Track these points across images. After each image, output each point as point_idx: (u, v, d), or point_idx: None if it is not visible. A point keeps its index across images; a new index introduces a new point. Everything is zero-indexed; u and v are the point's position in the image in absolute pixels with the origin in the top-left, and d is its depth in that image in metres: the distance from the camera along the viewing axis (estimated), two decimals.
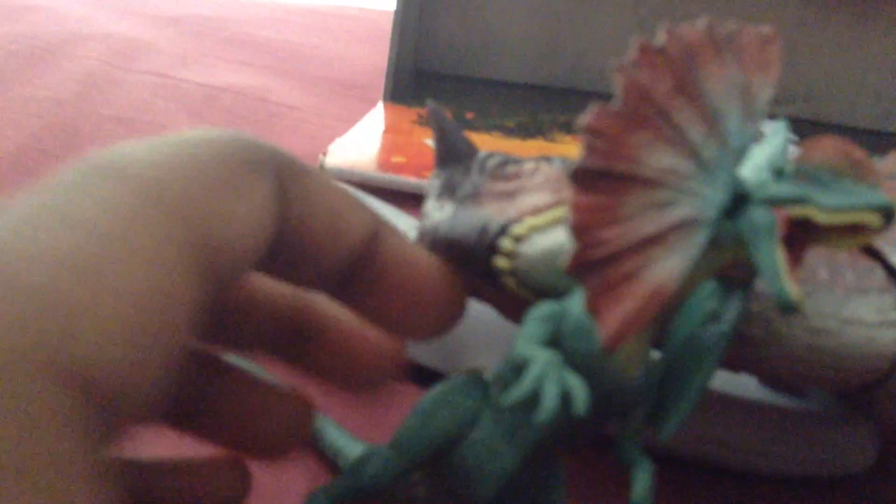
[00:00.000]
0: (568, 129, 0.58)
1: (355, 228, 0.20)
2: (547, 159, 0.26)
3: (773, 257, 0.16)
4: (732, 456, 0.30)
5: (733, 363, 0.25)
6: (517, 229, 0.22)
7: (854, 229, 0.17)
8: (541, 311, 0.19)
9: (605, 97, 0.66)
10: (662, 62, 0.17)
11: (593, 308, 0.17)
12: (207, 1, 0.81)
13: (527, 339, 0.19)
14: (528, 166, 0.26)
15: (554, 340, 0.19)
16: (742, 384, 0.30)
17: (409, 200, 0.45)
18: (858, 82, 0.63)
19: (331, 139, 0.52)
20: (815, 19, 0.62)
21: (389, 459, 0.21)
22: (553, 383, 0.17)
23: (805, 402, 0.30)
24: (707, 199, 0.17)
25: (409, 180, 0.48)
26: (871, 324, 0.24)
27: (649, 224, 0.17)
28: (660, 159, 0.17)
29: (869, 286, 0.24)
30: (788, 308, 0.16)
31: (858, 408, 0.28)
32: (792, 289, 0.16)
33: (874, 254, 0.26)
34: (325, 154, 0.50)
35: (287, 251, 0.19)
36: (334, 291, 0.22)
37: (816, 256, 0.25)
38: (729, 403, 0.30)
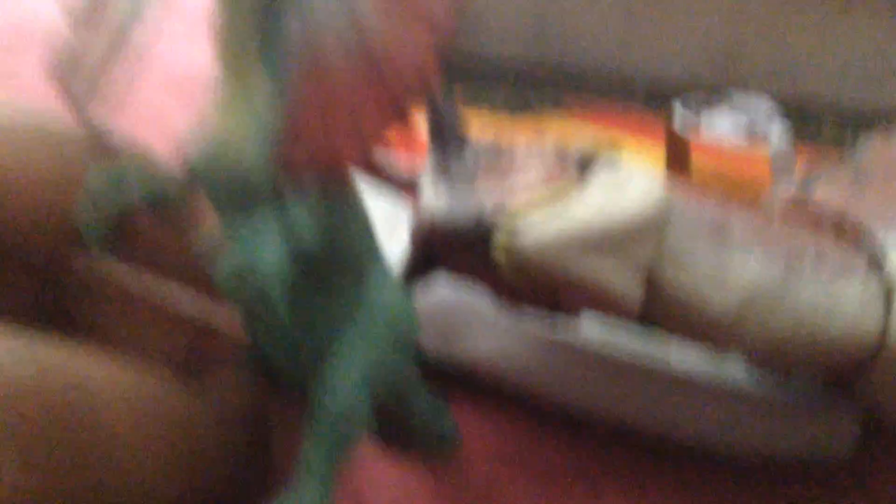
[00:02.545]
0: (557, 105, 0.58)
1: (68, 174, 0.20)
2: (538, 140, 0.26)
3: None
4: (718, 442, 0.30)
5: (721, 344, 0.25)
6: (512, 207, 0.23)
7: None
8: None
9: (593, 75, 0.66)
10: None
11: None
12: None
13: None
14: (521, 147, 0.26)
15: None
16: (729, 375, 0.31)
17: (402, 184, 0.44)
18: (844, 60, 0.64)
19: None
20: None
21: None
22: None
23: (789, 390, 0.30)
24: None
25: (400, 163, 0.48)
26: (856, 304, 0.24)
27: None
28: None
29: (854, 269, 0.25)
30: None
31: (841, 391, 0.29)
32: None
33: (860, 232, 0.26)
34: None
35: None
36: (74, 258, 0.21)
37: (803, 240, 0.25)
38: (715, 392, 0.30)
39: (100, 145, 0.20)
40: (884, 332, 0.24)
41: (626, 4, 0.64)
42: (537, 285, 0.24)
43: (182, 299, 0.22)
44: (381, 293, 0.19)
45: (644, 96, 0.60)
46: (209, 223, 0.21)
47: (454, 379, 0.32)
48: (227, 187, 0.18)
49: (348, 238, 0.19)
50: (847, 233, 0.27)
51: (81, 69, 0.18)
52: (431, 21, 0.17)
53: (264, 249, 0.17)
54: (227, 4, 0.17)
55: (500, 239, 0.23)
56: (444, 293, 0.31)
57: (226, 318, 0.22)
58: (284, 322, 0.17)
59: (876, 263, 0.25)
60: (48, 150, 0.20)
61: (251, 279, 0.16)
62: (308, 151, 0.17)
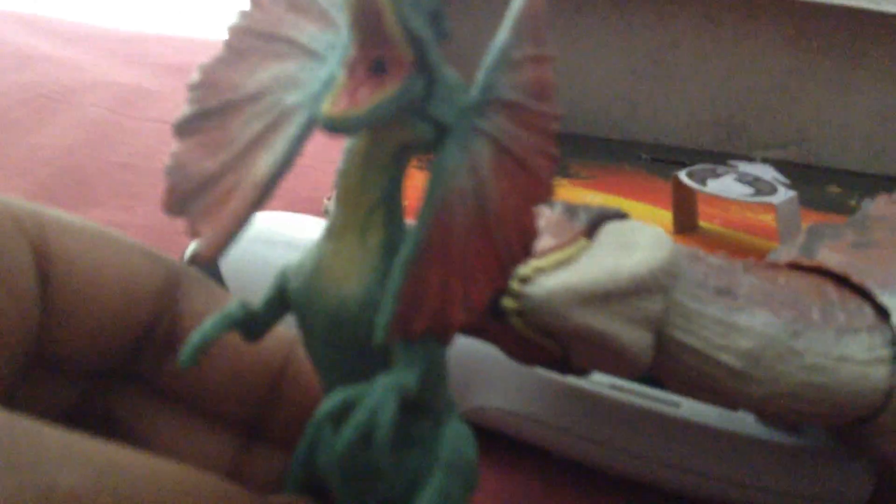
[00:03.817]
0: (564, 172, 0.59)
1: (139, 284, 0.20)
2: (549, 204, 0.27)
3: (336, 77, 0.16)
4: (731, 491, 0.30)
5: (730, 400, 0.26)
6: (523, 271, 0.23)
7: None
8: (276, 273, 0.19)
9: (601, 142, 0.67)
10: (272, 0, 0.19)
11: (194, 231, 0.17)
12: (207, 50, 0.83)
13: (262, 299, 0.19)
14: None
15: (282, 292, 0.19)
16: (740, 421, 0.31)
17: None
18: (848, 126, 0.65)
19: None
20: (805, 66, 0.64)
21: None
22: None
23: (801, 438, 0.31)
24: (314, 82, 0.17)
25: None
26: (862, 361, 0.25)
27: (251, 131, 0.17)
28: (262, 75, 0.18)
29: (859, 325, 0.25)
30: (323, 123, 0.15)
31: (851, 443, 0.29)
32: (329, 104, 0.15)
33: (864, 293, 0.27)
34: (329, 199, 0.51)
35: (55, 314, 0.18)
36: (131, 362, 0.20)
37: (808, 298, 0.26)
38: (727, 439, 0.30)
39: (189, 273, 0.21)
40: (891, 385, 0.25)
41: (629, 74, 0.65)
42: (547, 336, 0.24)
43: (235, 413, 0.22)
44: (457, 448, 0.19)
45: (649, 163, 0.62)
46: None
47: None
48: (326, 325, 0.18)
49: (434, 388, 0.19)
50: (850, 291, 0.27)
51: (199, 194, 0.17)
52: (539, 191, 0.18)
53: (371, 388, 0.16)
54: (359, 157, 0.17)
55: (511, 286, 0.23)
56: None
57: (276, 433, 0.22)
58: (382, 463, 0.17)
59: (881, 317, 0.26)
60: (130, 263, 0.20)
61: (359, 415, 0.16)
62: (426, 319, 0.17)
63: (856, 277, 0.27)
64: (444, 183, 0.17)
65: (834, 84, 0.64)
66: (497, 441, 0.33)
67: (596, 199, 0.54)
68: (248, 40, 0.18)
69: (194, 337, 0.18)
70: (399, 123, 0.16)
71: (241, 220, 0.17)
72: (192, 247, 0.35)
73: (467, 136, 0.17)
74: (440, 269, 0.17)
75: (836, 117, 0.65)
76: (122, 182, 0.54)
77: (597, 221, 0.26)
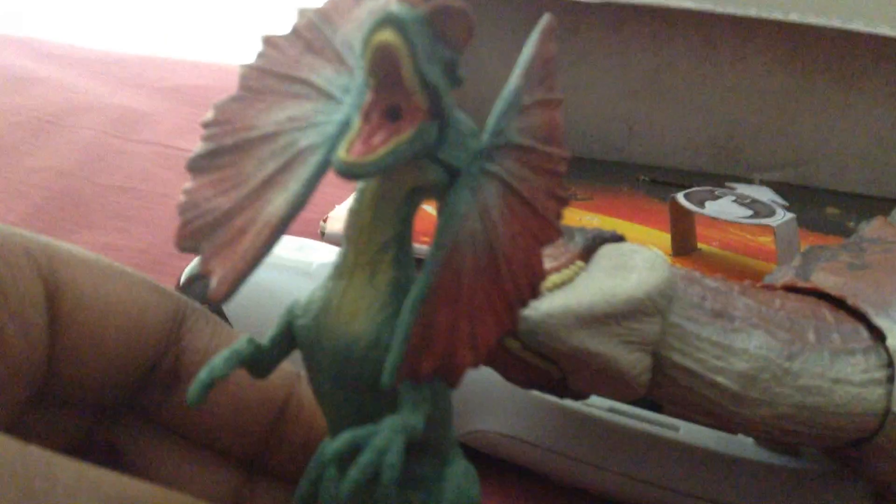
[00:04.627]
0: None
1: (147, 319, 0.20)
2: None
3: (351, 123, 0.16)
4: None
5: (727, 422, 0.26)
6: None
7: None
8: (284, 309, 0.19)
9: (598, 164, 0.67)
10: (288, 41, 0.18)
11: (206, 270, 0.17)
12: (202, 72, 0.83)
13: (269, 336, 0.19)
14: None
15: (289, 328, 0.18)
16: (739, 444, 0.31)
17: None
18: (846, 148, 0.65)
19: (331, 206, 0.52)
20: (802, 88, 0.64)
21: None
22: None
23: (800, 461, 0.30)
24: (329, 124, 0.17)
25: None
26: (858, 382, 0.25)
27: (265, 170, 0.17)
28: (277, 115, 0.18)
29: (855, 347, 0.25)
30: (339, 169, 0.15)
31: (848, 465, 0.29)
32: (345, 150, 0.15)
33: (859, 315, 0.27)
34: (325, 221, 0.51)
35: (64, 348, 0.19)
36: (136, 396, 0.20)
37: (805, 320, 0.26)
38: (726, 463, 0.30)
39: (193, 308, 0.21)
40: (887, 407, 0.24)
41: (625, 96, 0.66)
42: (544, 359, 0.24)
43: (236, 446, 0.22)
44: (460, 487, 0.19)
45: (647, 185, 0.62)
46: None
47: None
48: (334, 363, 0.18)
49: (439, 429, 0.19)
50: (846, 313, 0.27)
51: (212, 232, 0.17)
52: (547, 232, 0.18)
53: (379, 429, 0.16)
54: (370, 197, 0.17)
55: None
56: None
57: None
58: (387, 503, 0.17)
59: (877, 338, 0.26)
60: (138, 298, 0.20)
61: (367, 456, 0.16)
62: (434, 361, 0.17)
63: (851, 299, 0.27)
64: (455, 225, 0.17)
65: (831, 106, 0.64)
66: (495, 464, 0.33)
67: (594, 220, 0.54)
68: (264, 80, 0.18)
69: (203, 374, 0.18)
70: (411, 167, 0.16)
71: (254, 261, 0.16)
72: (187, 271, 0.35)
73: (478, 180, 0.17)
74: (449, 310, 0.17)
75: (833, 139, 0.65)
76: (117, 205, 0.54)
77: (593, 244, 0.26)
